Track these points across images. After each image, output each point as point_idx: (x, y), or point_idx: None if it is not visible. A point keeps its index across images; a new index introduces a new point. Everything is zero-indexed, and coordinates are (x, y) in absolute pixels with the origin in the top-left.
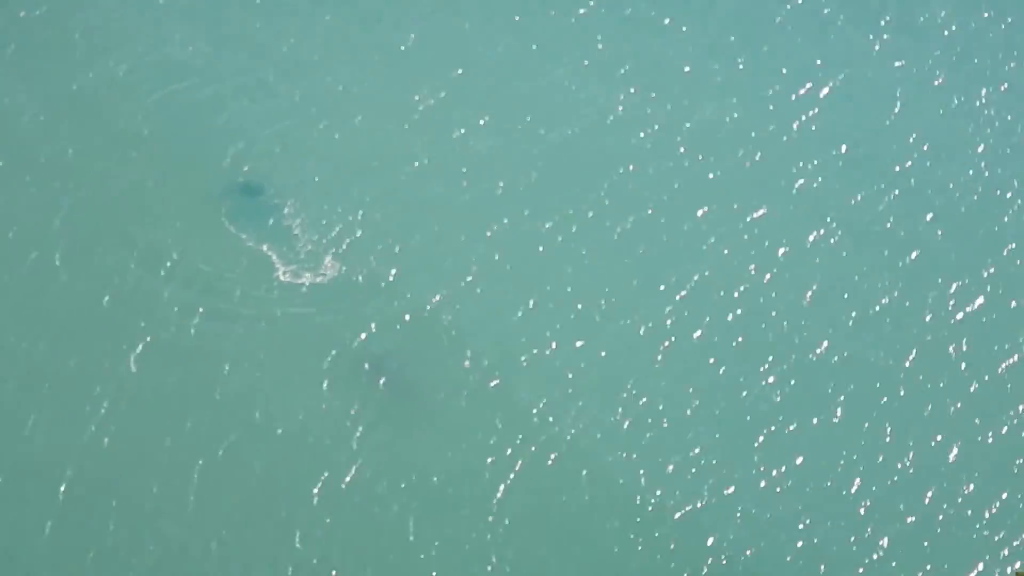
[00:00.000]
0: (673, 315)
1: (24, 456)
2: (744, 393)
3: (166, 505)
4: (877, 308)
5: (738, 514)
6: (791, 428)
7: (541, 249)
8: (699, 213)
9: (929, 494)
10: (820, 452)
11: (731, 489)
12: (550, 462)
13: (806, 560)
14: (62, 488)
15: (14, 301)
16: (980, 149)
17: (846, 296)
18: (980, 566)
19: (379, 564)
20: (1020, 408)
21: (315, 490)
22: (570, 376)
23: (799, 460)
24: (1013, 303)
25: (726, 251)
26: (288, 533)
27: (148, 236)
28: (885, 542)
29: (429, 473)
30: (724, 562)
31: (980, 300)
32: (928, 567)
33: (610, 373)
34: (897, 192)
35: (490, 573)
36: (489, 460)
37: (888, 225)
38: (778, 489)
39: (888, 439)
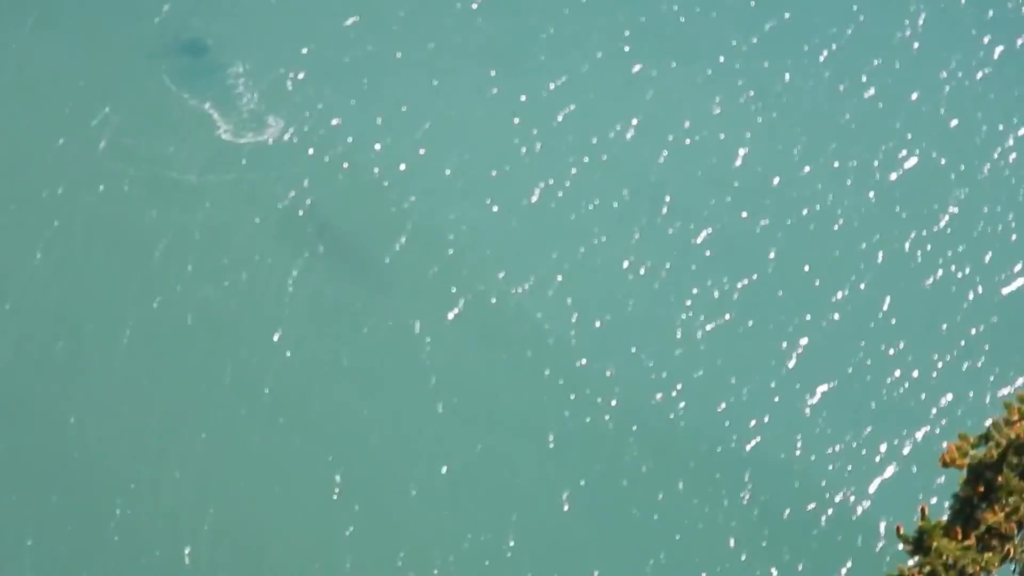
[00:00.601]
0: (615, 155)
1: None
2: (680, 243)
3: (103, 356)
4: (819, 163)
5: (660, 374)
6: (723, 285)
7: (482, 102)
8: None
9: (861, 345)
10: (751, 308)
11: (663, 344)
12: (483, 310)
13: (736, 414)
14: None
15: None
16: (914, 10)
17: (790, 150)
18: (909, 422)
19: (321, 400)
20: (951, 268)
21: (254, 342)
22: (509, 225)
23: (728, 317)
24: (943, 161)
25: (669, 97)
26: (222, 376)
27: (85, 92)
28: (815, 399)
29: (360, 325)
30: (669, 416)
31: (913, 161)
32: (855, 421)
33: (548, 221)
34: (835, 47)
35: (434, 417)
36: (424, 317)
37: (825, 81)
38: (704, 347)
39: (820, 293)
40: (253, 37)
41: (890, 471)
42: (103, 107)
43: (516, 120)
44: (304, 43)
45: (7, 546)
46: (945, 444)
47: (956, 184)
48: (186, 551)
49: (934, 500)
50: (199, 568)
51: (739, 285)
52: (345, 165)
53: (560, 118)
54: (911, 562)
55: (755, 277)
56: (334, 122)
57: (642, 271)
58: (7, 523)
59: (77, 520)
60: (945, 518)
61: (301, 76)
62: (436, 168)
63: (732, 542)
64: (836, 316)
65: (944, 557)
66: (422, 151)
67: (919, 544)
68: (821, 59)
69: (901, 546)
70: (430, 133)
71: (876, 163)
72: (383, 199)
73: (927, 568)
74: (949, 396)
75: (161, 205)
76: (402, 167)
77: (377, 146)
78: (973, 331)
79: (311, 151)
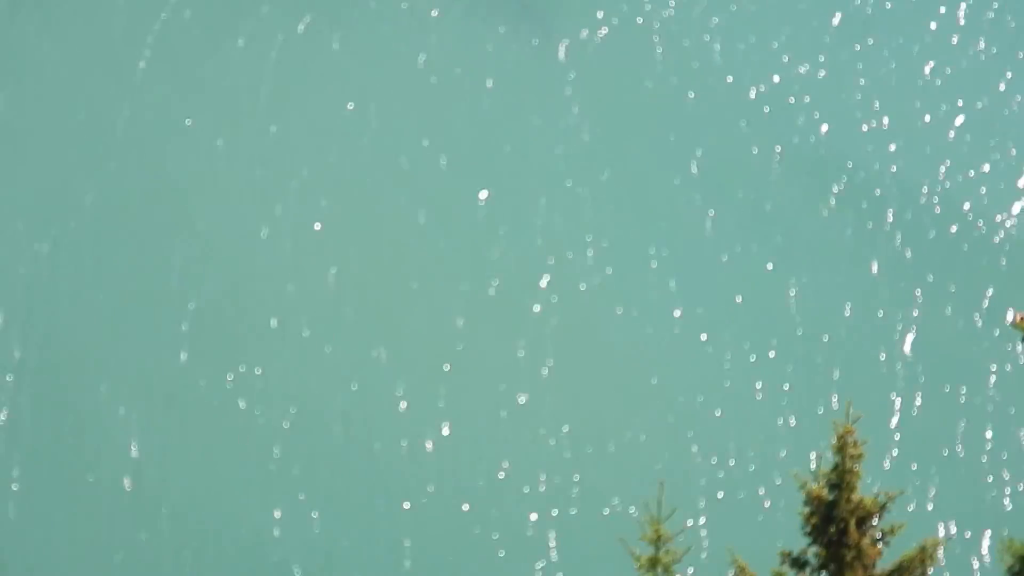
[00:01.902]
0: None
1: None
2: None
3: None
4: None
5: (802, 98)
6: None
7: None
8: None
9: (1006, 65)
10: (894, 28)
11: (805, 70)
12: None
13: (879, 137)
14: None
15: None
16: None
17: None
18: None
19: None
20: None
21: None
22: None
23: (869, 40)
24: None
25: None
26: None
27: None
28: (959, 121)
29: (506, 50)
30: (810, 140)
31: None
32: (999, 144)
33: None
34: None
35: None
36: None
37: None
38: (844, 68)
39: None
40: None
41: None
42: None
43: None
44: None
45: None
46: None
47: None
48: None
49: None
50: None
51: (888, 6)
52: None
53: None
54: None
55: None
56: None
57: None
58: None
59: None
60: None
61: None
62: None
63: (875, 267)
64: (984, 42)
65: None
66: None
67: None
68: None
69: None
70: None
71: None
72: None
73: None
74: None
75: None
76: None
77: None
78: None
79: None
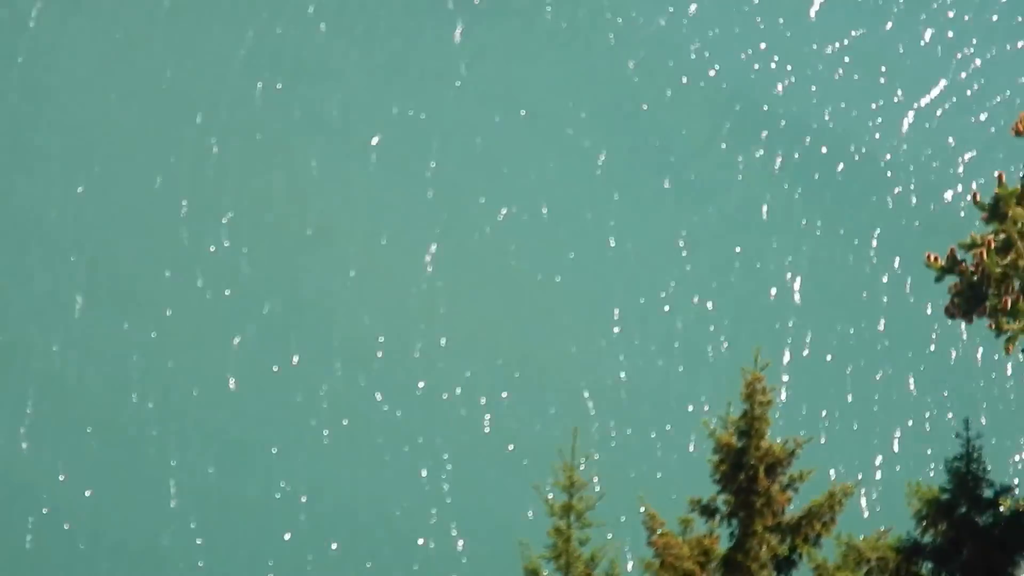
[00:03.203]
0: None
1: None
2: None
3: None
4: None
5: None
6: None
7: None
8: None
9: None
10: None
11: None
12: None
13: (761, 72)
14: None
15: None
16: None
17: None
18: (932, 77)
19: None
20: None
21: None
22: None
23: None
24: None
25: None
26: None
27: None
28: (833, 50)
29: None
30: (682, 81)
31: None
32: (878, 78)
33: None
34: None
35: None
36: None
37: None
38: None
39: None
40: None
41: (906, 127)
42: None
43: None
44: None
45: None
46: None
47: None
48: None
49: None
50: None
51: None
52: None
53: None
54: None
55: None
56: None
57: None
58: None
59: None
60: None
61: None
62: None
63: (764, 207)
64: None
65: (1019, 224)
66: None
67: (994, 211)
68: None
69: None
70: None
71: None
72: None
73: (1001, 236)
74: (978, 62)
75: None
76: None
77: None
78: None
79: None
